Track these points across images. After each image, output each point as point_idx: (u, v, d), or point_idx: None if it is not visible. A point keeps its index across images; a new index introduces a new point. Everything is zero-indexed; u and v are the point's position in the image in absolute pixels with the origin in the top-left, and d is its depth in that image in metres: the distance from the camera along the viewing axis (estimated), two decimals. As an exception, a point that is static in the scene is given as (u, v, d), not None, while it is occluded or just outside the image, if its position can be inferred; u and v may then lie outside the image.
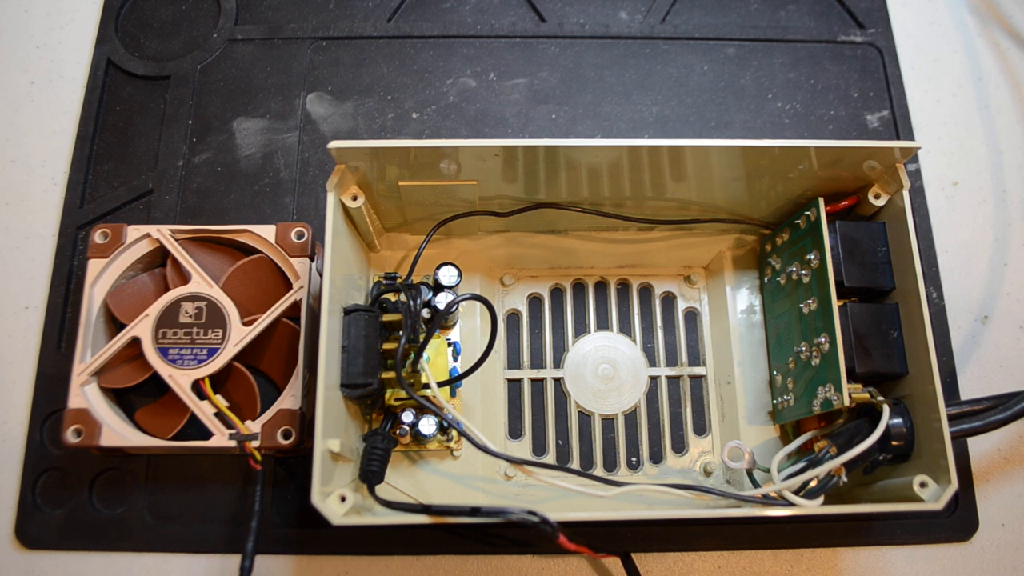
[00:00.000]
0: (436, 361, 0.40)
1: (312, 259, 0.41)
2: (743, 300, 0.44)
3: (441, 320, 0.39)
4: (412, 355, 0.37)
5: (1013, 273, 0.47)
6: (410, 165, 0.37)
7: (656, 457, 0.42)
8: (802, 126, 0.49)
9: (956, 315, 0.45)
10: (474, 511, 0.32)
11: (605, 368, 0.43)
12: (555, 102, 0.49)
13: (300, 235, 0.41)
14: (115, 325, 0.41)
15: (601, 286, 0.45)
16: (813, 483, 0.35)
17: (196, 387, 0.39)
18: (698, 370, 0.43)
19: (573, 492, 0.35)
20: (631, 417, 0.43)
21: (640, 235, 0.44)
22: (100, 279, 0.40)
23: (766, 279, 0.43)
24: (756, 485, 0.38)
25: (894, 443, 0.36)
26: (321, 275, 0.41)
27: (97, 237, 0.41)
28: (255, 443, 0.38)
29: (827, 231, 0.38)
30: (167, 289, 0.40)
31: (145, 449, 0.39)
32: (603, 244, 0.44)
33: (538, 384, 0.43)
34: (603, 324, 0.44)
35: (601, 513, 0.34)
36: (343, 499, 0.34)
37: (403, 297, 0.38)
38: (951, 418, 0.36)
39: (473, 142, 0.36)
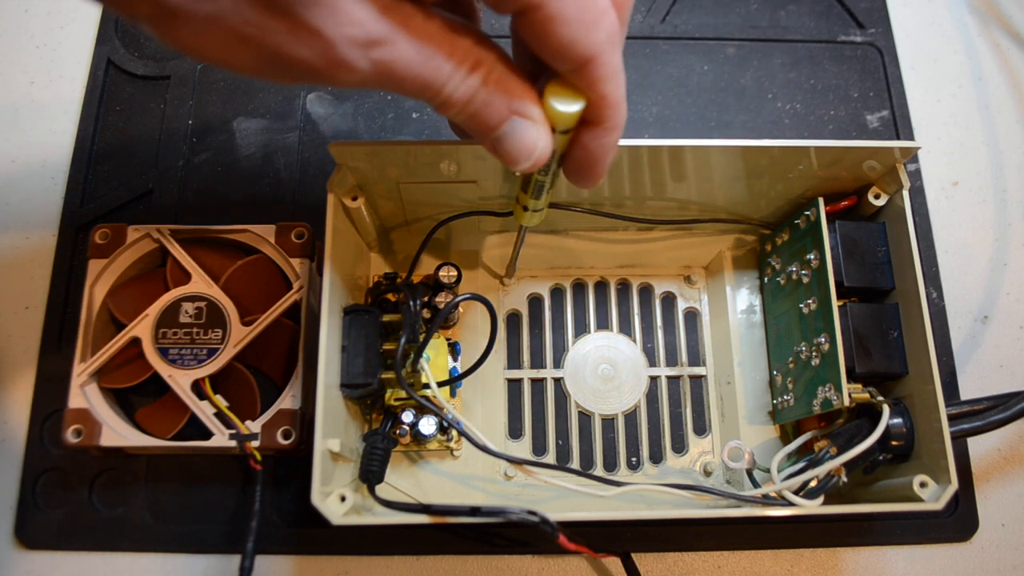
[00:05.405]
0: (436, 361, 0.40)
1: (312, 259, 0.41)
2: (743, 300, 0.44)
3: (441, 320, 0.39)
4: (412, 355, 0.37)
5: (1013, 273, 0.47)
6: (410, 165, 0.37)
7: (656, 457, 0.42)
8: (802, 126, 0.49)
9: (956, 315, 0.45)
10: (474, 511, 0.32)
11: (605, 368, 0.43)
12: (555, 102, 0.49)
13: (300, 235, 0.41)
14: (115, 325, 0.41)
15: (601, 286, 0.45)
16: (813, 483, 0.35)
17: (196, 387, 0.39)
18: (698, 370, 0.43)
19: (573, 492, 0.35)
20: (631, 417, 0.43)
21: (640, 235, 0.44)
22: (100, 279, 0.40)
23: (766, 279, 0.43)
24: (756, 485, 0.38)
25: (894, 443, 0.36)
26: (321, 275, 0.41)
27: (97, 237, 0.41)
28: (255, 443, 0.38)
29: (827, 231, 0.38)
30: (167, 289, 0.40)
31: (145, 449, 0.39)
32: (603, 244, 0.44)
33: (538, 384, 0.43)
34: (603, 324, 0.44)
35: (601, 513, 0.34)
36: (343, 499, 0.34)
37: (403, 297, 0.38)
38: (951, 418, 0.36)
39: (473, 142, 0.36)
